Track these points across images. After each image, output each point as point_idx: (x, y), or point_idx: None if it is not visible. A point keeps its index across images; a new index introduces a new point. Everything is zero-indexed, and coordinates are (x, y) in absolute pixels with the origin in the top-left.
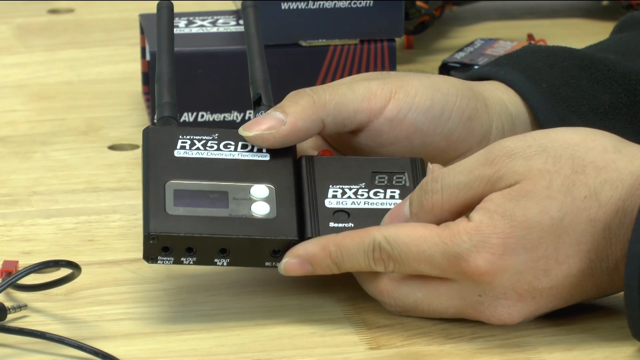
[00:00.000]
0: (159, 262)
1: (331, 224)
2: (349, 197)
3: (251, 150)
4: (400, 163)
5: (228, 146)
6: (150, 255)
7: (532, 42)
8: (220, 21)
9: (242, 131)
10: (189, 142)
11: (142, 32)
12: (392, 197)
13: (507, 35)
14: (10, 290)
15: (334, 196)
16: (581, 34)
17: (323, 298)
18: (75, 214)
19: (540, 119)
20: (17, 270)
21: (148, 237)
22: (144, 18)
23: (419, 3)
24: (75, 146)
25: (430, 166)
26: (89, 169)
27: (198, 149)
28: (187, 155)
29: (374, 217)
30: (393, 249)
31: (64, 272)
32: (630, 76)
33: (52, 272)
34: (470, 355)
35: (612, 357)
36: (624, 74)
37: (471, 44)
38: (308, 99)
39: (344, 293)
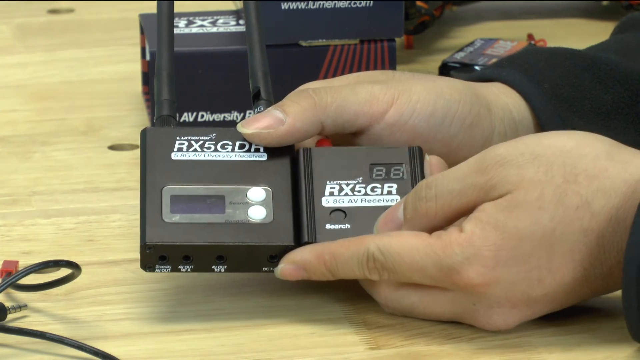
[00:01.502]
0: (156, 270)
1: (328, 226)
2: (346, 194)
3: (249, 150)
4: (399, 153)
5: (225, 146)
6: (147, 264)
7: (532, 42)
8: (220, 21)
9: (240, 128)
10: (186, 143)
11: (142, 32)
12: (389, 192)
13: (507, 35)
14: (10, 290)
15: (331, 194)
16: (581, 34)
17: (323, 298)
18: (75, 214)
19: (542, 120)
20: (17, 270)
21: (145, 247)
22: (144, 18)
23: (419, 3)
24: (75, 146)
25: (427, 158)
26: (89, 169)
27: (195, 150)
28: (184, 158)
29: (370, 216)
30: (386, 259)
31: (64, 272)
32: (632, 76)
33: (52, 272)
34: (470, 355)
35: (612, 358)
36: (626, 74)
37: (471, 44)
38: (309, 100)
39: (344, 293)
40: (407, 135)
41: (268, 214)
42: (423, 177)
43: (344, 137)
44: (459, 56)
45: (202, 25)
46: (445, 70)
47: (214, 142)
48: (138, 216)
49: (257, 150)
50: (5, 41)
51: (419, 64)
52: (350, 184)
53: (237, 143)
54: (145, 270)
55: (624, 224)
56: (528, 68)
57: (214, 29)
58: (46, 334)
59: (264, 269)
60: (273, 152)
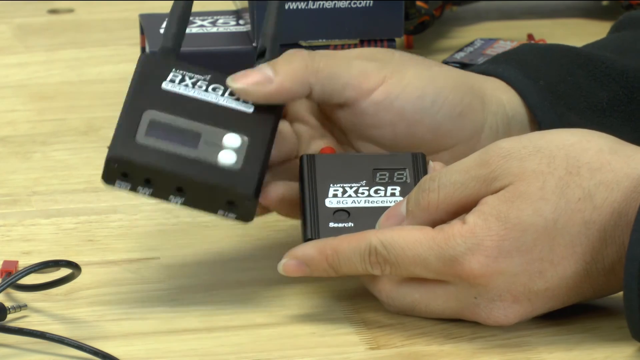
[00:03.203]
0: (115, 185)
1: (331, 224)
2: (350, 196)
3: (237, 99)
4: (402, 159)
5: (216, 90)
6: (109, 177)
7: (532, 42)
8: (220, 21)
9: (230, 81)
10: (180, 76)
11: (142, 32)
12: (392, 194)
13: (507, 35)
14: (10, 290)
15: (335, 195)
16: (581, 34)
17: (323, 298)
18: (75, 214)
19: (538, 116)
20: (17, 270)
21: (110, 160)
22: (144, 18)
23: (419, 3)
24: (75, 146)
25: (431, 164)
26: (89, 169)
27: (186, 85)
28: (173, 90)
29: (373, 216)
30: (389, 253)
31: (64, 272)
32: (628, 74)
33: (52, 272)
34: (470, 355)
35: (612, 357)
36: (622, 71)
37: (471, 44)
38: (301, 62)
39: (344, 293)
40: (391, 116)
41: (237, 161)
42: None
43: (329, 111)
44: (459, 56)
45: (202, 25)
46: None
47: (206, 83)
48: (138, 216)
49: (246, 101)
50: (5, 41)
51: None
52: (354, 186)
53: (229, 89)
54: (106, 183)
55: (626, 218)
56: (524, 64)
57: (214, 29)
58: (46, 334)
59: (220, 212)
60: (261, 106)
